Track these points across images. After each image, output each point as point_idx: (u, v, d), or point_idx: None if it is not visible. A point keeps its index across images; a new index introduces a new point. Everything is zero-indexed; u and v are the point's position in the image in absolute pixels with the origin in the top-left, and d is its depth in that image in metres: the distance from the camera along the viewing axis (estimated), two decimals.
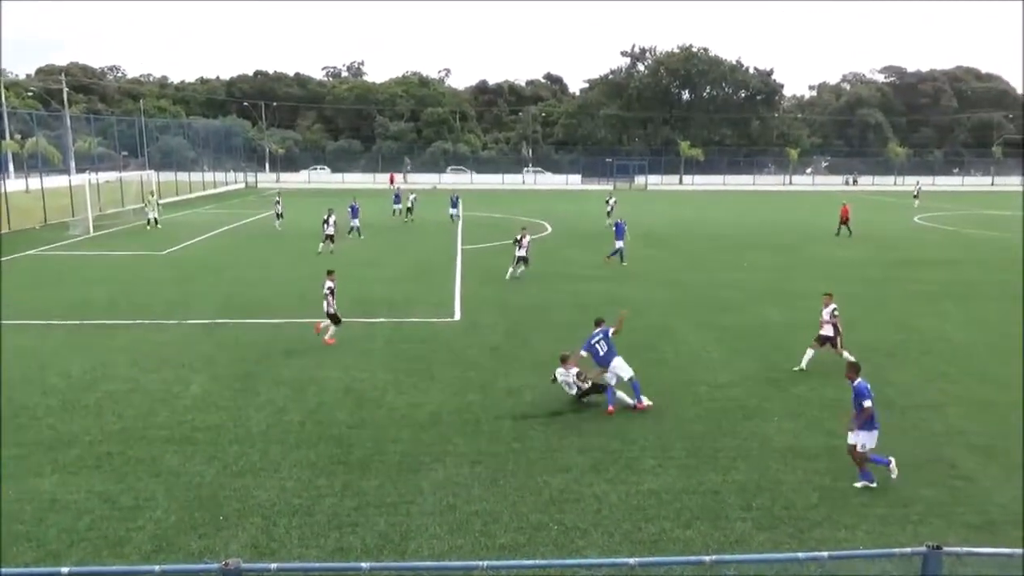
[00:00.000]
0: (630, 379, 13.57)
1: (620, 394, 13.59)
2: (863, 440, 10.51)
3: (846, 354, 15.23)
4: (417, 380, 15.10)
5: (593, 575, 8.02)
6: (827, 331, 15.79)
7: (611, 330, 13.95)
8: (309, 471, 10.96)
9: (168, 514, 9.67)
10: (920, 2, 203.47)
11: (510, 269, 26.40)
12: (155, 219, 41.30)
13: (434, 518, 9.66)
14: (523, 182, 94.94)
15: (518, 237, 26.59)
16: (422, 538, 9.20)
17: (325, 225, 32.63)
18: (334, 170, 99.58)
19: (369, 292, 23.86)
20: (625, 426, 12.75)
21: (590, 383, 13.70)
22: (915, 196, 65.02)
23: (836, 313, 15.71)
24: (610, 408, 13.35)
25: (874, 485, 10.49)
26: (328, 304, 17.64)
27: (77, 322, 19.52)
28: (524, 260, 26.43)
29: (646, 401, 13.53)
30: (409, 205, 46.45)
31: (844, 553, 5.41)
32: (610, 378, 13.60)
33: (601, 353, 13.67)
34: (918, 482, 10.75)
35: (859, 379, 10.72)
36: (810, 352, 15.86)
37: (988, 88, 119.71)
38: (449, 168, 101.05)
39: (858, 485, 10.52)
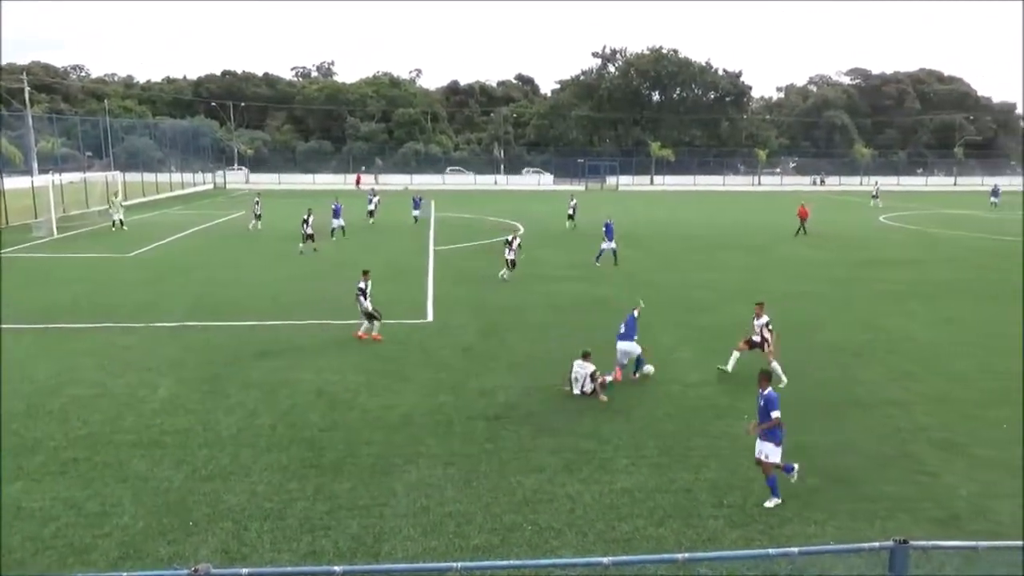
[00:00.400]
0: (639, 356, 15.39)
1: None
2: (767, 452, 10.16)
3: (774, 363, 14.76)
4: (390, 382, 15.03)
5: (567, 575, 8.05)
6: (756, 338, 15.55)
7: (635, 312, 15.82)
8: (280, 474, 10.86)
9: (136, 520, 9.52)
10: (885, 3, 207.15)
11: (504, 271, 26.23)
12: (120, 220, 40.62)
13: (407, 520, 9.62)
14: (495, 183, 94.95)
15: (509, 239, 26.34)
16: (395, 540, 9.17)
17: (304, 225, 32.84)
18: (304, 171, 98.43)
19: (342, 293, 23.68)
20: (598, 426, 12.82)
21: (594, 387, 14.19)
22: (874, 196, 66.01)
23: (770, 327, 15.33)
24: (617, 372, 15.13)
25: (779, 501, 10.08)
26: (361, 304, 17.97)
27: (42, 326, 19.14)
28: (512, 264, 26.17)
29: (648, 369, 15.41)
30: (371, 208, 45.98)
31: (814, 549, 5.49)
32: (621, 358, 15.24)
33: (622, 331, 15.35)
34: (885, 478, 10.94)
35: (770, 388, 10.37)
36: (735, 354, 15.68)
37: (950, 90, 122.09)
38: (448, 169, 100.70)
39: (768, 504, 10.09)
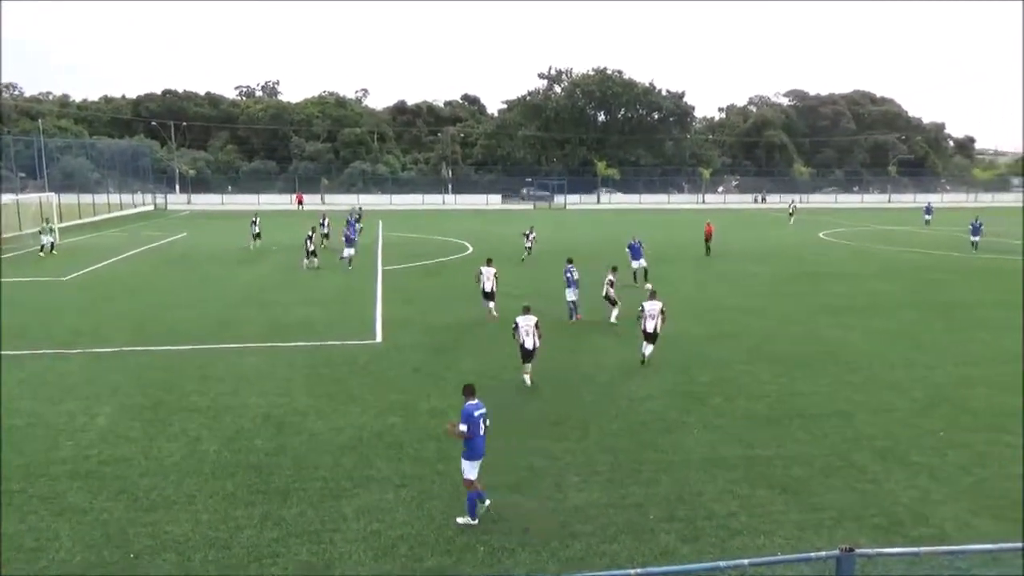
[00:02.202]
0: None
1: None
2: (464, 467, 10.08)
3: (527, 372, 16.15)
4: (338, 404, 14.81)
5: None
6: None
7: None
8: (226, 502, 10.58)
9: (73, 554, 9.16)
10: (821, 24, 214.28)
11: (615, 311, 23.36)
12: (51, 244, 39.05)
13: (358, 544, 9.46)
14: (443, 202, 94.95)
15: (610, 278, 23.94)
16: (347, 565, 9.00)
17: (308, 242, 34.32)
18: (248, 191, 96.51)
19: (288, 316, 23.34)
20: (549, 443, 12.82)
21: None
22: (791, 214, 67.28)
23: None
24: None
25: (475, 523, 9.91)
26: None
27: None
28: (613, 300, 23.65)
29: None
30: (326, 231, 44.31)
31: (763, 559, 5.57)
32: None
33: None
34: (831, 488, 11.19)
35: (468, 400, 10.18)
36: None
37: (883, 111, 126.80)
38: (527, 191, 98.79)
39: (459, 521, 9.99)
